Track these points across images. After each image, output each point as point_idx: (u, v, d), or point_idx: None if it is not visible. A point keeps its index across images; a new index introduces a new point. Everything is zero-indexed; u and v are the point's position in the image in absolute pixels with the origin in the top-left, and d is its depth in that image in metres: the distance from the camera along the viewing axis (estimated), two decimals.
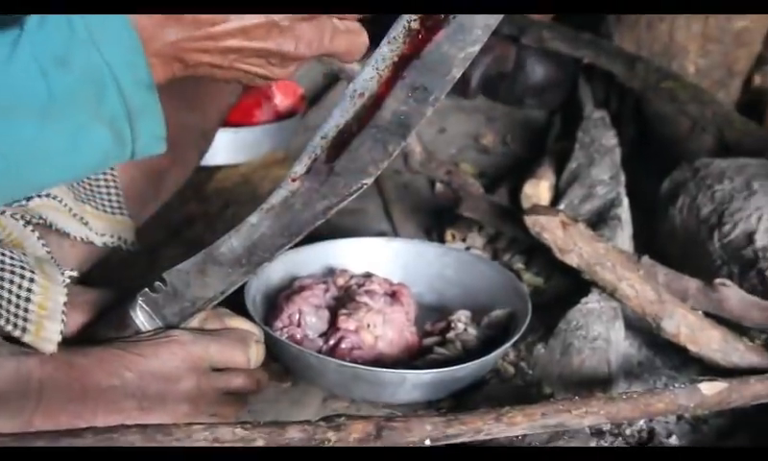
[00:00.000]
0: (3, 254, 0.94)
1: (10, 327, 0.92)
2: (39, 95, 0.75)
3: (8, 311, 0.92)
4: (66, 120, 0.77)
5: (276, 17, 0.82)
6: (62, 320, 0.96)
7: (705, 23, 1.83)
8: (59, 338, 0.95)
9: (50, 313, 0.94)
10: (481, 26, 0.88)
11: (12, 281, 0.93)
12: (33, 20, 0.75)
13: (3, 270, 0.94)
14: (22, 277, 0.94)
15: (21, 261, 0.95)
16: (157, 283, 1.00)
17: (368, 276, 1.24)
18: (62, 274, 0.99)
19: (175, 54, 0.81)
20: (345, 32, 0.87)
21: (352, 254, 1.30)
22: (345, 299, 1.20)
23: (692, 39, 1.85)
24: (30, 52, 0.75)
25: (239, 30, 0.82)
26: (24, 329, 0.93)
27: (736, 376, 1.03)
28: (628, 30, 1.89)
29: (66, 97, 0.76)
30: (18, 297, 0.93)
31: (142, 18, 0.78)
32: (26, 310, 0.93)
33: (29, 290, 0.94)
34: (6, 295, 0.93)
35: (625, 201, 1.46)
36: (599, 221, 1.39)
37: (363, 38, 0.88)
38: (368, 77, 0.91)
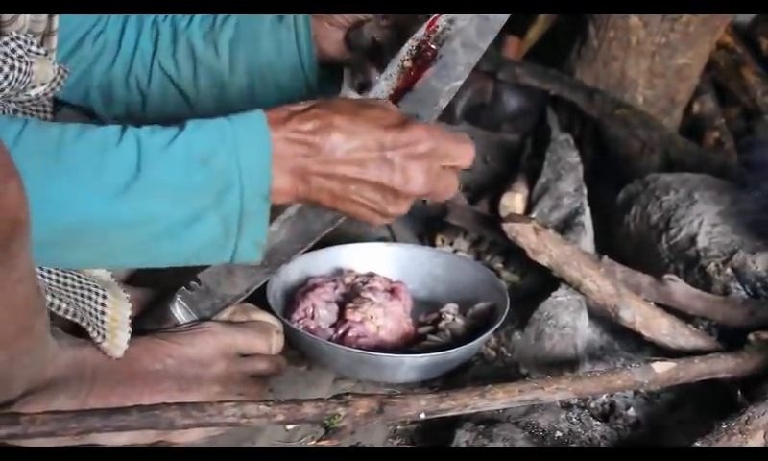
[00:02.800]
0: (79, 276, 0.94)
1: (94, 334, 0.92)
2: (179, 182, 0.78)
3: (90, 322, 0.92)
4: (191, 205, 0.79)
5: (388, 155, 0.81)
6: (129, 330, 0.95)
7: (651, 61, 1.83)
8: (126, 346, 0.94)
9: (120, 324, 0.94)
10: (463, 64, 0.88)
11: (89, 297, 0.93)
12: (191, 123, 0.79)
13: (82, 288, 0.93)
14: (96, 294, 0.93)
15: (93, 281, 0.95)
16: (193, 283, 1.00)
17: (370, 275, 1.24)
18: (124, 291, 0.99)
19: (302, 174, 0.81)
20: (446, 176, 0.85)
21: (357, 257, 1.29)
22: (351, 295, 1.19)
23: (641, 74, 1.84)
24: (183, 147, 0.78)
25: (356, 160, 0.81)
26: (104, 337, 0.93)
27: (683, 356, 1.03)
28: (587, 66, 1.88)
29: (198, 187, 0.78)
30: (95, 310, 0.93)
31: (276, 137, 0.79)
32: (102, 321, 0.93)
33: (103, 304, 0.93)
34: (88, 308, 0.92)
35: (587, 210, 1.45)
36: (566, 227, 1.39)
37: (454, 181, 0.86)
38: None
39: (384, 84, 0.90)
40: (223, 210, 0.79)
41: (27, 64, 0.86)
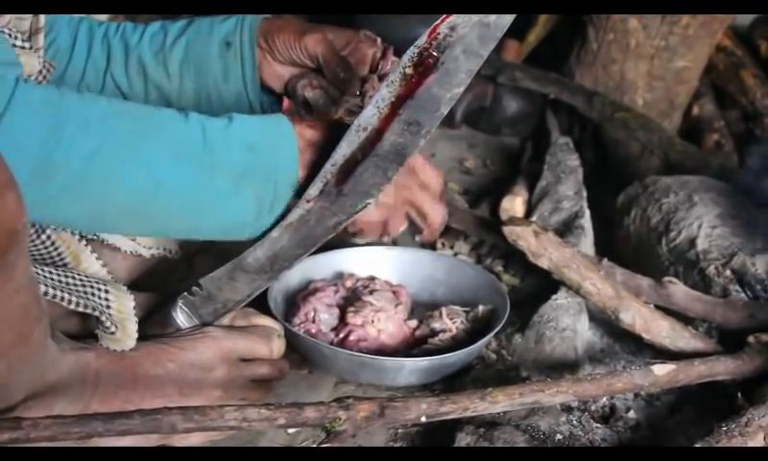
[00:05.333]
0: (80, 274, 0.95)
1: (108, 323, 0.94)
2: (235, 163, 0.87)
3: (102, 311, 0.93)
4: (239, 183, 0.87)
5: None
6: (136, 320, 0.96)
7: (650, 64, 1.83)
8: (136, 335, 0.95)
9: (127, 315, 0.95)
10: (465, 71, 0.88)
11: (92, 294, 0.94)
12: (238, 116, 0.89)
13: (84, 285, 0.94)
14: (99, 289, 0.95)
15: (93, 278, 0.95)
16: (194, 288, 1.00)
17: (371, 279, 1.24)
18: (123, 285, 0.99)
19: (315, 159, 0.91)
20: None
21: (358, 261, 1.29)
22: (352, 298, 1.19)
23: (640, 77, 1.85)
24: (237, 134, 0.87)
25: None
26: (116, 327, 0.94)
27: (683, 359, 1.03)
28: (587, 69, 1.89)
29: (246, 169, 0.87)
30: (101, 305, 0.93)
31: (299, 131, 0.90)
32: (110, 315, 0.93)
33: (107, 299, 0.94)
34: (96, 302, 0.93)
35: (587, 213, 1.45)
36: (565, 230, 1.39)
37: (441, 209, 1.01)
38: (370, 114, 0.90)
39: (386, 91, 0.90)
40: (260, 193, 0.89)
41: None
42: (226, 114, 0.89)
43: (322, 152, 0.91)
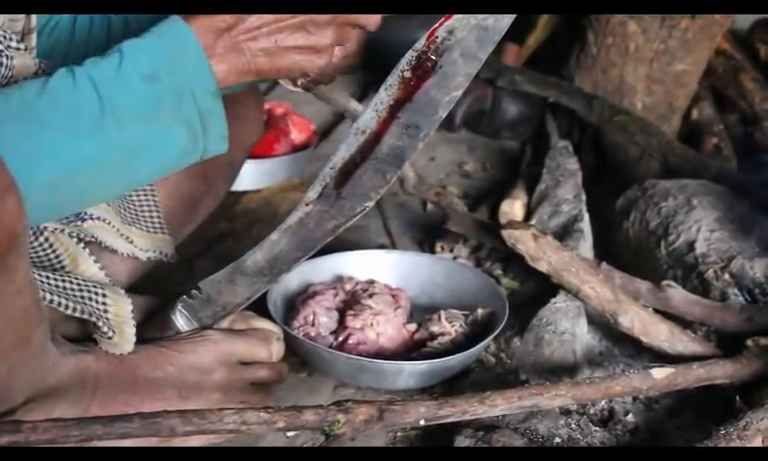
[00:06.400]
0: (77, 278, 0.95)
1: (105, 329, 0.93)
2: (138, 105, 0.81)
3: (99, 317, 0.93)
4: (157, 123, 0.82)
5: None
6: (134, 324, 0.95)
7: (650, 67, 1.83)
8: (134, 339, 0.95)
9: (124, 319, 0.95)
10: (463, 74, 0.89)
11: (89, 298, 0.93)
12: (128, 47, 0.82)
13: (81, 290, 0.94)
14: (96, 294, 0.94)
15: (91, 282, 0.95)
16: (194, 291, 1.00)
17: (371, 282, 1.24)
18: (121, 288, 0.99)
19: (233, 49, 0.85)
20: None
21: (357, 264, 1.29)
22: (351, 302, 1.19)
23: (639, 81, 1.85)
24: (131, 72, 0.81)
25: (269, 15, 0.85)
26: (114, 331, 0.94)
27: (682, 362, 1.03)
28: (586, 73, 1.89)
29: (156, 105, 0.82)
30: (98, 309, 0.93)
31: (199, 30, 0.83)
32: (107, 319, 0.93)
33: (104, 303, 0.94)
34: (93, 307, 0.93)
35: (586, 216, 1.46)
36: (564, 234, 1.39)
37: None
38: (369, 117, 0.91)
39: (384, 94, 0.90)
40: (183, 117, 0.83)
41: (8, 59, 0.86)
42: (116, 48, 0.82)
43: (235, 21, 0.85)
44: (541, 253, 1.17)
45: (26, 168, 0.75)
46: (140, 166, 0.84)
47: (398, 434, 1.05)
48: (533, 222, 1.45)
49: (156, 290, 1.10)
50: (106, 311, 0.93)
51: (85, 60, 0.81)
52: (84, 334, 0.97)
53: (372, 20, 0.89)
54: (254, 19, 0.85)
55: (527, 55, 2.11)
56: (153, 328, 1.02)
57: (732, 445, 0.89)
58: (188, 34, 0.83)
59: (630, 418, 1.06)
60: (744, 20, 2.19)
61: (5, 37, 0.86)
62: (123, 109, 0.80)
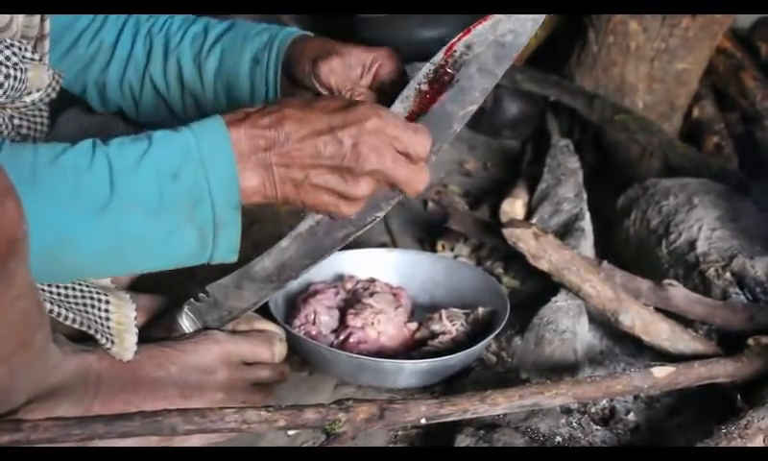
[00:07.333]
0: (80, 284, 0.94)
1: (103, 341, 0.93)
2: (152, 200, 0.79)
3: (97, 329, 0.93)
4: (167, 221, 0.80)
5: (338, 134, 0.82)
6: (135, 332, 0.96)
7: (651, 66, 1.83)
8: (135, 348, 0.95)
9: (126, 327, 0.95)
10: (479, 89, 0.89)
11: (92, 305, 0.94)
12: (157, 138, 0.80)
13: (84, 297, 0.94)
14: (99, 300, 0.94)
15: (95, 288, 0.95)
16: (201, 294, 1.01)
17: (371, 281, 1.24)
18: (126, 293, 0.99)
19: (265, 168, 0.82)
20: (404, 163, 0.85)
21: (358, 263, 1.29)
22: (352, 300, 1.19)
23: (640, 80, 1.85)
24: (153, 165, 0.79)
25: (309, 144, 0.82)
26: (112, 342, 0.93)
27: (683, 361, 1.03)
28: (587, 72, 1.89)
29: (171, 204, 0.80)
30: (100, 317, 0.94)
31: (237, 140, 0.81)
32: (108, 327, 0.94)
33: (107, 310, 0.94)
34: (93, 316, 0.93)
35: (587, 215, 1.46)
36: (565, 232, 1.39)
37: (423, 174, 0.87)
38: None
39: (400, 106, 0.91)
40: (197, 222, 0.81)
41: (22, 72, 0.86)
42: (145, 135, 0.81)
43: (275, 140, 0.82)
44: (542, 251, 1.17)
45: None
46: (140, 257, 0.83)
47: (399, 433, 1.05)
48: (534, 221, 1.45)
49: (158, 289, 1.10)
50: (108, 319, 0.94)
51: (113, 141, 0.80)
52: (86, 334, 0.97)
53: (412, 189, 0.86)
54: (293, 143, 0.82)
55: (528, 53, 2.11)
56: (159, 330, 1.02)
57: (734, 444, 0.89)
58: (224, 141, 0.81)
59: (631, 417, 1.06)
60: (745, 19, 2.19)
61: (20, 49, 0.86)
62: (133, 200, 0.79)
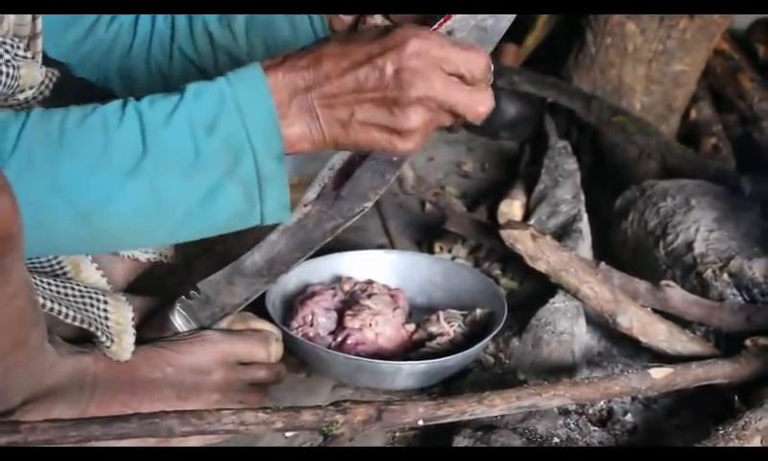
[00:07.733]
0: (78, 285, 0.94)
1: (103, 339, 0.92)
2: (188, 155, 0.75)
3: (97, 327, 0.92)
4: (206, 178, 0.76)
5: (378, 62, 0.75)
6: (133, 333, 0.95)
7: (648, 67, 1.83)
8: (132, 348, 0.95)
9: (124, 327, 0.95)
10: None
11: (91, 305, 0.93)
12: (190, 90, 0.76)
13: (83, 297, 0.93)
14: (98, 300, 0.94)
15: (92, 289, 0.95)
16: (192, 292, 1.00)
17: (369, 282, 1.24)
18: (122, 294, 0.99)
19: (308, 111, 0.77)
20: (459, 85, 0.77)
21: (356, 264, 1.29)
22: (350, 302, 1.19)
23: (638, 81, 1.85)
24: (186, 118, 0.75)
25: (350, 78, 0.76)
26: (112, 341, 0.93)
27: (680, 362, 1.03)
28: (585, 73, 1.89)
29: (209, 158, 0.75)
30: (99, 316, 0.93)
31: (275, 85, 0.75)
32: (107, 327, 0.93)
33: (105, 310, 0.94)
34: (92, 315, 0.92)
35: (585, 216, 1.46)
36: (563, 234, 1.39)
37: (483, 96, 0.79)
38: None
39: None
40: (239, 177, 0.76)
41: (15, 69, 0.85)
42: (178, 89, 0.76)
43: (314, 79, 0.76)
44: (540, 253, 1.17)
45: (55, 196, 0.73)
46: (183, 219, 0.77)
47: (397, 434, 1.05)
48: (531, 222, 1.45)
49: (156, 291, 1.10)
50: (107, 319, 0.93)
51: (145, 97, 0.76)
52: (82, 335, 0.97)
53: (474, 113, 0.78)
54: (334, 80, 0.76)
55: (526, 55, 2.11)
56: (151, 329, 1.02)
57: (731, 445, 0.89)
58: (262, 86, 0.75)
59: (628, 418, 1.06)
60: (743, 20, 2.19)
61: (12, 46, 0.86)
62: (167, 157, 0.74)
